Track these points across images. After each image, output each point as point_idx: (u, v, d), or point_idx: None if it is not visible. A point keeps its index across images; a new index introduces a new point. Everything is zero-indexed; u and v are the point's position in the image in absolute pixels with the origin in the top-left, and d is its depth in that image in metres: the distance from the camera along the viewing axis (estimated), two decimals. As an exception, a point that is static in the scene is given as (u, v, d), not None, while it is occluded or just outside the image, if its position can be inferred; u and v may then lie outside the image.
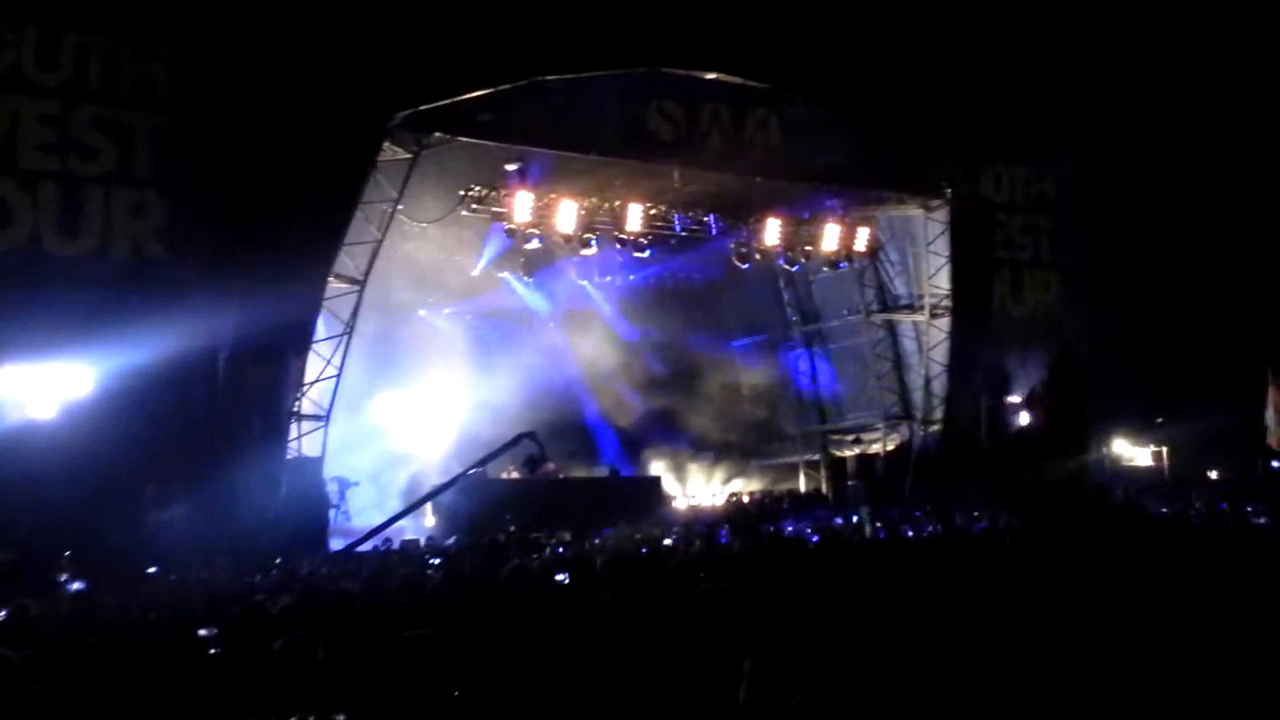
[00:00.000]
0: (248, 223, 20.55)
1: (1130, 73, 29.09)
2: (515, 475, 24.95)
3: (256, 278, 20.37)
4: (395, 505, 22.92)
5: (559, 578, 12.71)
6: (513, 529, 21.19)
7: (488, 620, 6.92)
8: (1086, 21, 28.34)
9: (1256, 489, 24.51)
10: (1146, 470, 33.22)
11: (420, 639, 5.23)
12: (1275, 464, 23.71)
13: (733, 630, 5.62)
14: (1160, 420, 32.84)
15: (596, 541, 20.06)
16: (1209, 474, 32.12)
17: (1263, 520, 13.35)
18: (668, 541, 18.92)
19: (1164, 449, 33.76)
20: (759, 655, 4.49)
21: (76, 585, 14.82)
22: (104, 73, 20.17)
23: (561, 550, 18.78)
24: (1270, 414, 28.47)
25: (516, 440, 23.32)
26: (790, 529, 21.45)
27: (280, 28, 20.79)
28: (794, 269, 30.88)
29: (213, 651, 7.25)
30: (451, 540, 21.09)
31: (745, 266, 29.31)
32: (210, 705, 5.66)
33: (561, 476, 28.38)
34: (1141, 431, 33.61)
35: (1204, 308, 29.11)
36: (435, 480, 24.43)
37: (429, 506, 24.04)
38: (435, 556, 17.55)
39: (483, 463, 23.49)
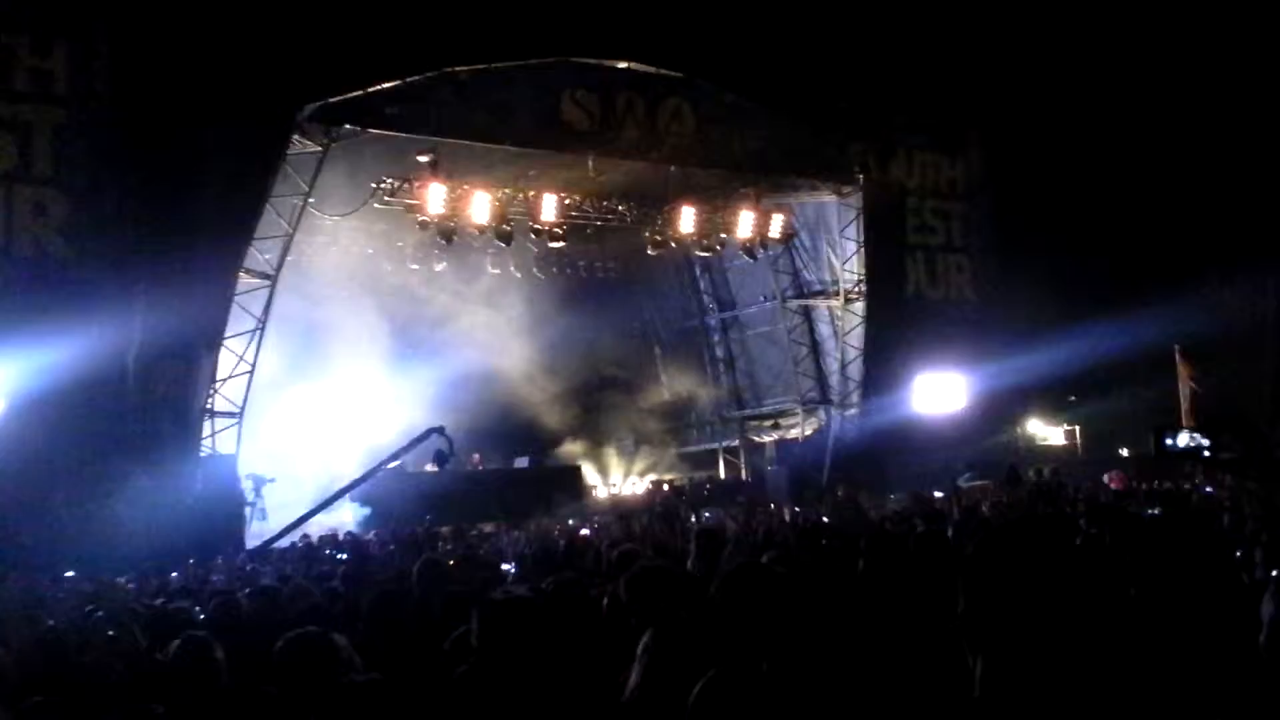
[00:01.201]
0: (153, 219, 20.27)
1: (1039, 55, 29.42)
2: (433, 468, 24.85)
3: (164, 274, 20.11)
4: (312, 501, 22.70)
5: (505, 567, 12.76)
6: (429, 521, 21.13)
7: (391, 618, 6.87)
8: (996, 4, 28.63)
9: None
10: (1060, 449, 33.75)
11: (311, 637, 5.18)
12: (1169, 441, 24.18)
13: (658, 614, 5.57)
14: (1073, 399, 33.35)
15: (516, 534, 20.05)
16: (1120, 452, 32.68)
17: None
18: (585, 531, 18.93)
19: (1076, 428, 34.31)
20: (658, 632, 4.39)
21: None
22: (0, 68, 19.76)
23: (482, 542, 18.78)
24: (1182, 390, 29.01)
25: (426, 435, 23.24)
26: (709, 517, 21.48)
27: (186, 19, 20.48)
28: (709, 256, 30.96)
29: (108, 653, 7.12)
30: (370, 535, 21.00)
31: (659, 254, 29.33)
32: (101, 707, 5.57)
33: (481, 468, 28.33)
34: (1055, 411, 34.13)
35: (1115, 287, 29.50)
36: (353, 476, 24.24)
37: (348, 502, 23.88)
38: (343, 552, 17.43)
39: (392, 458, 23.39)
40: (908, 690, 4.06)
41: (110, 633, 7.27)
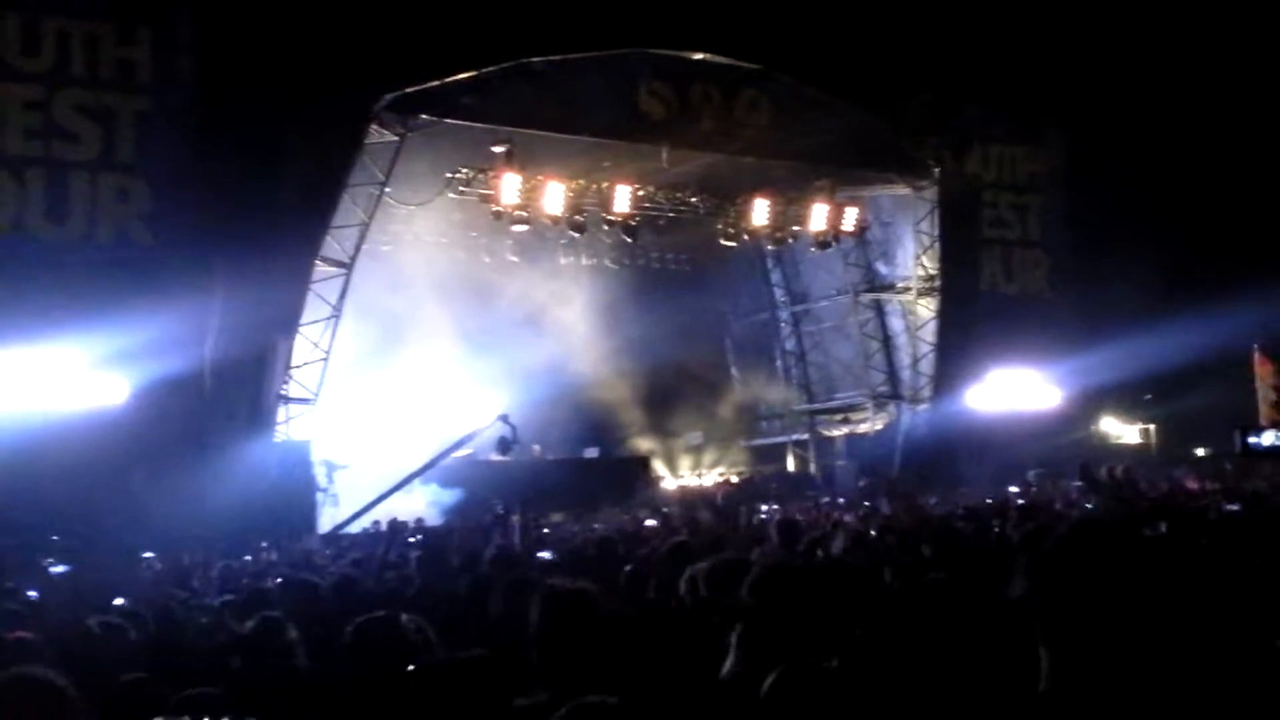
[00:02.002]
0: (233, 207, 20.52)
1: (1121, 49, 29.05)
2: (504, 458, 25.01)
3: (242, 261, 20.36)
4: (384, 487, 22.93)
5: (543, 555, 12.84)
6: (500, 510, 21.23)
7: (461, 606, 6.95)
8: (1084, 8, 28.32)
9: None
10: (1134, 448, 33.36)
11: (383, 620, 5.25)
12: (1252, 440, 23.78)
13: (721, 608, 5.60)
14: (1149, 398, 32.94)
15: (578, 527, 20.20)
16: (1196, 451, 32.28)
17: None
18: (651, 522, 18.99)
19: (1151, 427, 33.91)
20: (747, 627, 4.38)
21: (59, 569, 14.89)
22: (86, 58, 20.09)
23: (547, 531, 18.92)
24: (1260, 390, 28.56)
25: (492, 422, 23.40)
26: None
27: (267, 9, 20.74)
28: (781, 249, 30.89)
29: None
30: (439, 522, 21.23)
31: (731, 246, 29.30)
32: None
33: (550, 458, 28.45)
34: (1130, 409, 33.74)
35: (1194, 283, 29.11)
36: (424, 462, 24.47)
37: (420, 488, 24.10)
38: (417, 536, 17.61)
39: (457, 445, 23.57)
40: (973, 684, 4.06)
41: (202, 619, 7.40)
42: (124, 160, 20.28)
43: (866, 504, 21.72)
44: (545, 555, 12.89)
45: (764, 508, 22.45)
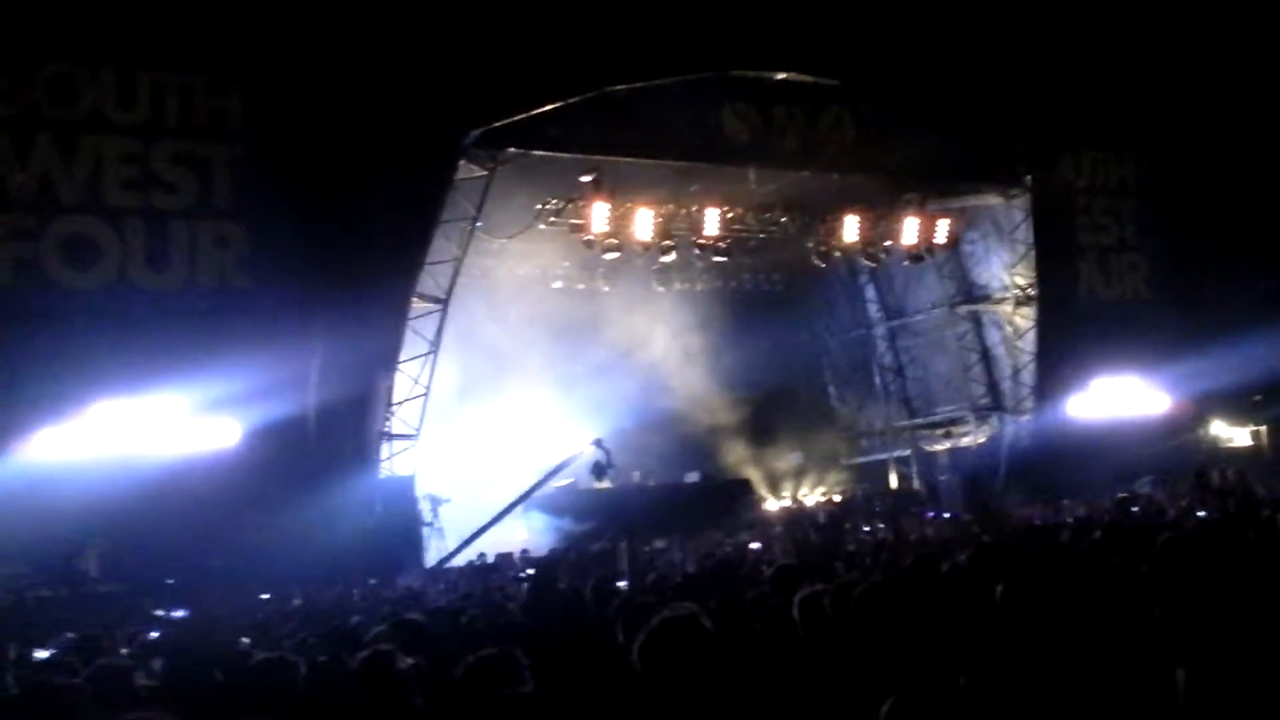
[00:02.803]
0: (329, 248, 20.85)
1: (1212, 53, 28.50)
2: (604, 484, 25.03)
3: (340, 301, 20.68)
4: (486, 519, 23.10)
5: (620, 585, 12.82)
6: (608, 542, 21.30)
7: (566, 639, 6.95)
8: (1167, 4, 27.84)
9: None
10: (1246, 450, 32.62)
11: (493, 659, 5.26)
12: None
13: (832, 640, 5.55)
14: (1258, 399, 32.21)
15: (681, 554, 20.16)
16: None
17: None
18: (754, 545, 18.91)
19: (1263, 428, 33.14)
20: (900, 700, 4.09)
21: (178, 613, 15.18)
22: (180, 109, 20.62)
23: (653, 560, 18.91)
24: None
25: (586, 448, 23.45)
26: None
27: (349, 53, 21.07)
28: (874, 265, 30.67)
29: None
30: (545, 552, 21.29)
31: (824, 265, 29.17)
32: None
33: (651, 483, 28.44)
34: (1240, 412, 32.99)
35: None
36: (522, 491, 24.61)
37: (523, 519, 24.24)
38: (525, 570, 17.71)
39: (553, 473, 23.64)
40: (1108, 704, 3.98)
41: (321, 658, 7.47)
42: (221, 206, 20.79)
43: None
44: (621, 584, 12.90)
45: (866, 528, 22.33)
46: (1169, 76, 28.61)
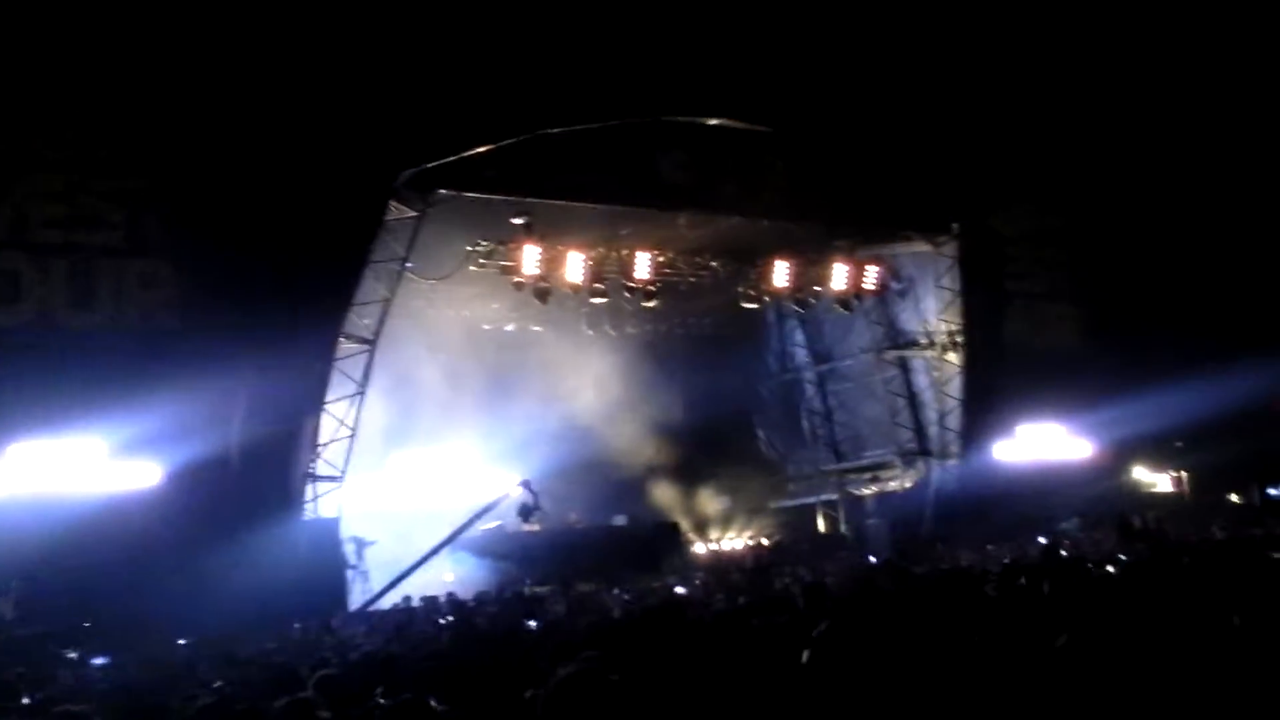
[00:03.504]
0: (257, 288, 20.62)
1: (1144, 101, 28.98)
2: (532, 527, 24.94)
3: (268, 342, 20.44)
4: (412, 561, 22.90)
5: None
6: (528, 587, 21.25)
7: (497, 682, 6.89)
8: (1095, 56, 28.28)
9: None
10: (1167, 496, 33.08)
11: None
12: (1271, 491, 23.78)
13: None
14: (1179, 445, 32.66)
15: (615, 592, 20.09)
16: (1230, 498, 31.97)
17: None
18: (680, 590, 18.89)
19: (1183, 475, 33.63)
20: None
21: (99, 660, 14.89)
22: (111, 146, 20.34)
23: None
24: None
25: (514, 489, 23.35)
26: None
27: (284, 94, 20.92)
28: (803, 310, 30.89)
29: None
30: (471, 600, 21.15)
31: (753, 309, 29.32)
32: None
33: (580, 526, 28.36)
34: (1162, 458, 33.46)
35: (1223, 334, 28.96)
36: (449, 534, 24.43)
37: (449, 562, 24.05)
38: (449, 615, 17.58)
39: (480, 514, 23.51)
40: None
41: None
42: (149, 245, 20.48)
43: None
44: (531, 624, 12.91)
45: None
46: (1097, 130, 29.05)
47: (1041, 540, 23.42)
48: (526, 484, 23.01)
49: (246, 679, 9.78)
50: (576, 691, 4.61)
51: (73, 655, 15.52)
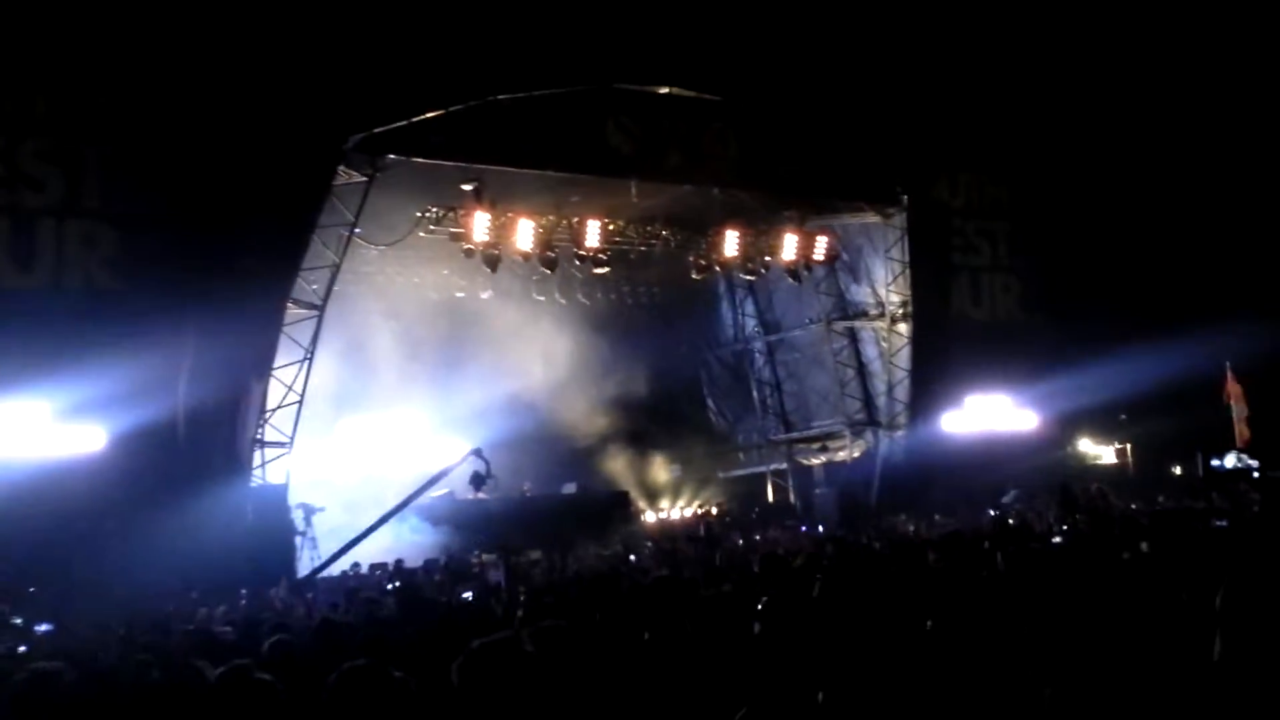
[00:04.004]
0: (202, 251, 20.40)
1: (1086, 76, 29.16)
2: (482, 495, 24.88)
3: (213, 306, 20.24)
4: (361, 528, 22.78)
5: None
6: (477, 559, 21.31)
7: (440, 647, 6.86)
8: (1043, 27, 28.43)
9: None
10: (1111, 468, 33.46)
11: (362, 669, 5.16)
12: (1214, 463, 24.16)
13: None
14: (1123, 418, 33.02)
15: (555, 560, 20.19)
16: (1174, 470, 32.40)
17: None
18: (632, 558, 18.96)
19: (1128, 447, 34.01)
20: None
21: (43, 627, 14.73)
22: (49, 105, 20.02)
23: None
24: (1234, 409, 28.65)
25: (465, 457, 23.25)
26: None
27: (230, 54, 20.66)
28: (753, 280, 30.96)
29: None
30: (420, 565, 21.15)
31: (703, 279, 29.34)
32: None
33: (529, 494, 28.34)
34: (1106, 430, 33.83)
35: (1166, 307, 29.25)
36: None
37: (401, 528, 23.94)
38: (393, 581, 17.56)
39: (431, 483, 23.39)
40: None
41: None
42: (90, 206, 20.17)
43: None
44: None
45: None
46: (1041, 101, 29.22)
47: (991, 512, 23.75)
48: (478, 452, 22.86)
49: (189, 646, 9.67)
50: (489, 662, 4.64)
51: (17, 621, 15.32)
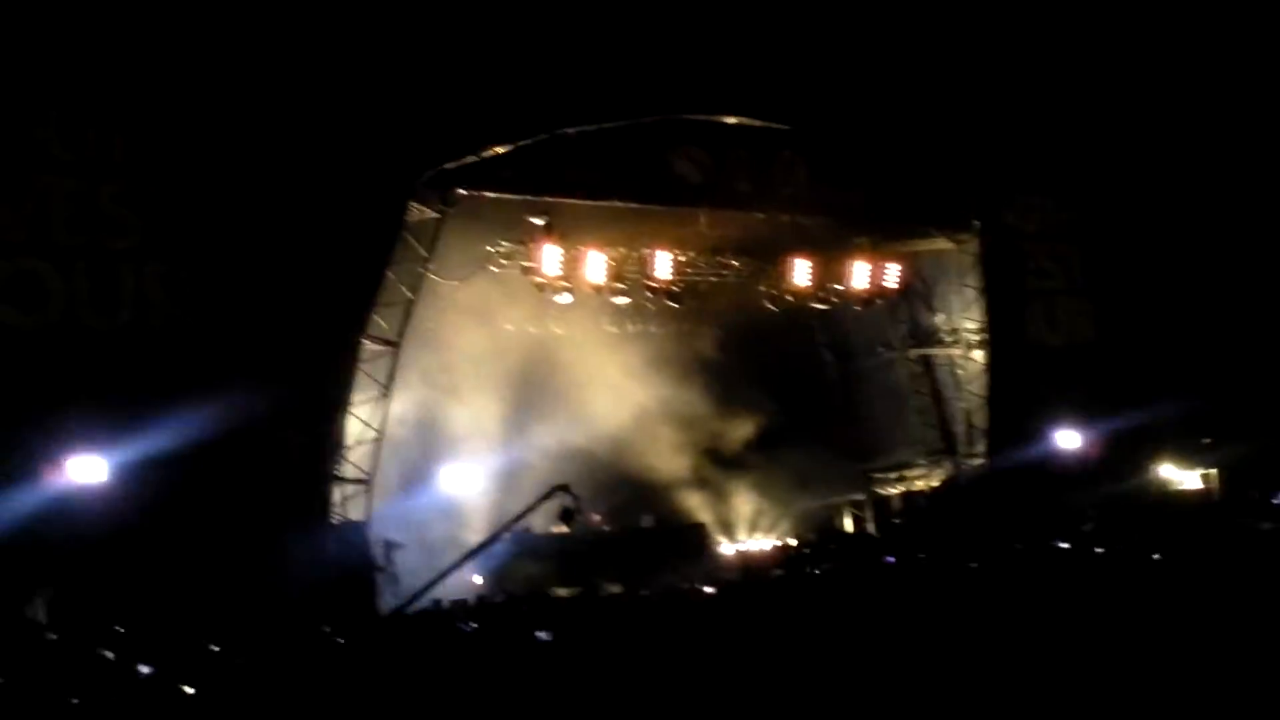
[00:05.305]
0: (279, 289, 20.60)
1: (1156, 99, 28.86)
2: (566, 529, 24.83)
3: (291, 344, 20.44)
4: (443, 564, 22.74)
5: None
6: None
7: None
8: (1109, 53, 28.20)
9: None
10: (1195, 494, 32.74)
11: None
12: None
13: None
14: (1207, 441, 32.34)
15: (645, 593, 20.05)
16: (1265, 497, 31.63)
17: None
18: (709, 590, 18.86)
19: (1213, 471, 33.25)
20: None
21: (145, 669, 14.73)
22: (126, 151, 20.30)
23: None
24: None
25: (549, 493, 23.22)
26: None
27: (300, 96, 20.92)
28: (825, 308, 30.76)
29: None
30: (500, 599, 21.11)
31: (775, 309, 29.19)
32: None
33: (605, 528, 28.26)
34: (1190, 455, 33.10)
35: (1245, 323, 28.77)
36: (481, 537, 24.30)
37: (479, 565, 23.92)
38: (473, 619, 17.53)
39: (517, 519, 23.38)
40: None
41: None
42: (169, 247, 20.40)
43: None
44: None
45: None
46: (1114, 125, 28.94)
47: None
48: (565, 488, 22.87)
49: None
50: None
51: (110, 656, 15.36)
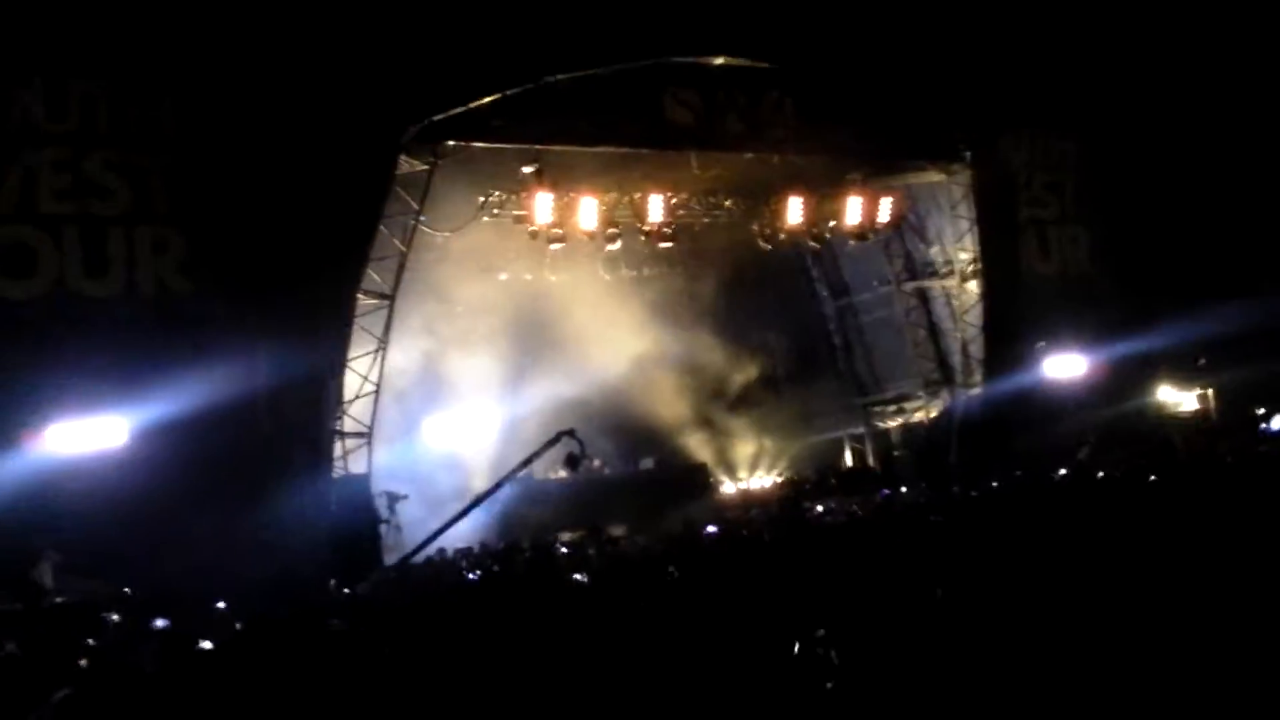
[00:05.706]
0: (270, 249, 20.61)
1: (1152, 30, 28.65)
2: (563, 475, 25.00)
3: (284, 303, 20.49)
4: (446, 514, 22.94)
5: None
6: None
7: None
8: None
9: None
10: (1193, 414, 32.91)
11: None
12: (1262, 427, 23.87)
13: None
14: (1201, 361, 32.44)
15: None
16: (1258, 413, 31.77)
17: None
18: (711, 529, 19.04)
19: (1209, 392, 33.42)
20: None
21: (160, 622, 14.90)
22: (111, 118, 20.26)
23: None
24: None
25: (556, 439, 23.35)
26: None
27: (285, 52, 20.80)
28: (820, 245, 30.78)
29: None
30: (502, 546, 21.31)
31: (770, 248, 29.21)
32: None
33: (607, 471, 28.46)
34: (1186, 376, 33.23)
35: (1240, 253, 28.77)
36: (484, 485, 24.47)
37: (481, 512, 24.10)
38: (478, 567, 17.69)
39: (523, 465, 23.52)
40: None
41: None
42: (158, 212, 20.41)
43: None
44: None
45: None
46: (1107, 55, 28.74)
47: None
48: (570, 433, 22.99)
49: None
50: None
51: (116, 618, 15.57)
